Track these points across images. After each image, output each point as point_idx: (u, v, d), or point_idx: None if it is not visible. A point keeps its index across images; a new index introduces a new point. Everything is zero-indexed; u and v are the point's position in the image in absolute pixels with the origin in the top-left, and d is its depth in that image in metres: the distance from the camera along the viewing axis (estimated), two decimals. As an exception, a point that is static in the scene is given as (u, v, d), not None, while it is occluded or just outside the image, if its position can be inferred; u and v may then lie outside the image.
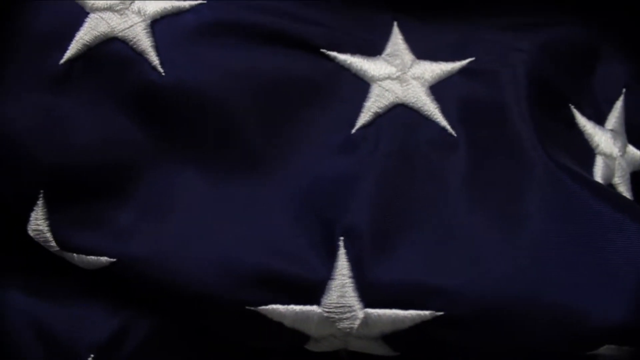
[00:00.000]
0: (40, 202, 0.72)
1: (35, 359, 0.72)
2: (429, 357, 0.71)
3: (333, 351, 0.74)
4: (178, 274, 0.70)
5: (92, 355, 0.71)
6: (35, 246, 0.73)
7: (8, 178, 0.72)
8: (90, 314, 0.73)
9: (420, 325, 0.68)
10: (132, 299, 0.73)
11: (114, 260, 0.71)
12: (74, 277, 0.74)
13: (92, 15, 0.74)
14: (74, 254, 0.72)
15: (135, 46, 0.73)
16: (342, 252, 0.69)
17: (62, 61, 0.73)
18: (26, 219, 0.72)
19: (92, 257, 0.71)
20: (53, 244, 0.72)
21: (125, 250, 0.71)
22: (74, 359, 0.71)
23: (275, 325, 0.69)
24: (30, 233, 0.72)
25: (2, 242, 0.75)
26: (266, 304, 0.69)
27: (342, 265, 0.68)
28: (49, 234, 0.72)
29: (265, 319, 0.69)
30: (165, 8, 0.74)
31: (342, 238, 0.69)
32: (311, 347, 0.71)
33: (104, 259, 0.71)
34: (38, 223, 0.72)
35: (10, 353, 0.72)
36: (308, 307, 0.69)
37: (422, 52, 0.77)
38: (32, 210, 0.72)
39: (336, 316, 0.68)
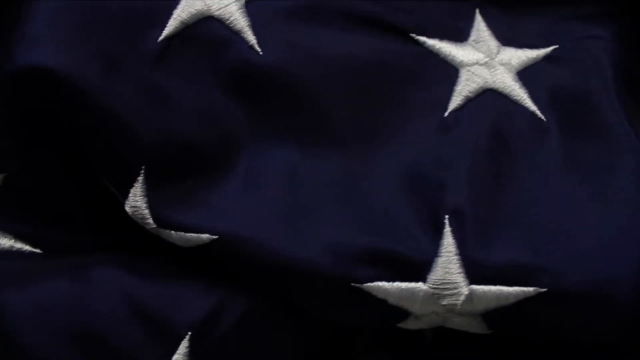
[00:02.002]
0: (140, 179, 0.72)
1: (133, 336, 0.71)
2: (523, 335, 0.73)
3: (418, 332, 0.76)
4: (282, 251, 0.70)
5: (189, 333, 0.71)
6: (132, 224, 0.73)
7: (111, 154, 0.72)
8: (186, 292, 0.72)
9: (523, 302, 0.70)
10: (228, 276, 0.73)
11: (216, 237, 0.71)
12: (169, 255, 0.73)
13: (188, -7, 0.74)
14: (172, 232, 0.72)
15: (231, 25, 0.74)
16: (447, 230, 0.70)
17: (160, 38, 0.73)
18: (125, 196, 0.72)
19: (192, 234, 0.71)
20: (150, 221, 0.72)
21: (228, 228, 0.71)
22: (172, 336, 0.71)
23: (378, 302, 0.70)
24: (128, 210, 0.72)
25: (100, 219, 0.75)
26: (372, 281, 0.70)
27: (448, 242, 0.70)
28: (146, 211, 0.72)
29: (369, 296, 0.70)
30: (258, -12, 0.75)
31: (447, 216, 0.70)
32: (409, 324, 0.73)
33: (205, 236, 0.71)
34: (137, 199, 0.72)
35: (109, 331, 0.71)
36: (413, 284, 0.70)
37: (504, 39, 0.78)
38: (132, 187, 0.72)
39: (441, 292, 0.70)
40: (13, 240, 0.74)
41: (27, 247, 0.74)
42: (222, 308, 0.72)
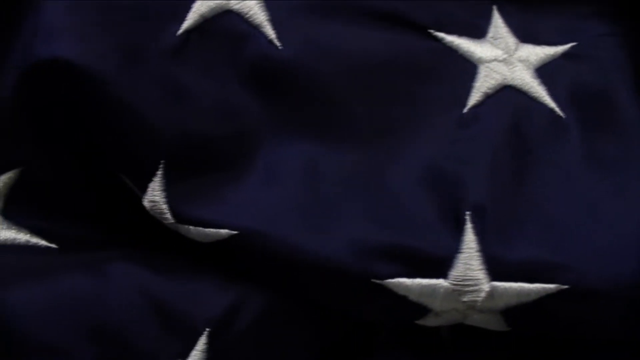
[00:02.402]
0: (159, 173, 0.71)
1: (151, 332, 0.70)
2: (542, 332, 0.73)
3: (434, 329, 0.75)
4: (302, 247, 0.70)
5: (208, 329, 0.71)
6: (149, 219, 0.72)
7: (129, 148, 0.71)
8: (204, 288, 0.72)
9: (544, 299, 0.69)
10: (247, 272, 0.72)
11: (235, 233, 0.70)
12: (186, 251, 0.73)
13: (206, -13, 0.74)
14: (191, 227, 0.71)
15: (250, 20, 0.73)
16: (469, 227, 0.70)
17: (179, 32, 0.73)
18: (143, 191, 0.71)
19: (211, 229, 0.71)
20: (169, 216, 0.71)
21: (247, 223, 0.70)
22: (190, 332, 0.70)
23: (398, 299, 0.70)
24: (146, 205, 0.71)
25: (117, 215, 0.74)
26: (392, 277, 0.69)
27: (470, 239, 0.70)
28: (165, 206, 0.71)
29: (389, 292, 0.70)
30: (277, -17, 0.75)
31: (468, 213, 0.70)
32: (428, 321, 0.72)
33: (224, 231, 0.70)
34: (155, 194, 0.71)
35: (125, 326, 0.70)
36: (434, 281, 0.70)
37: (522, 36, 0.78)
38: (150, 181, 0.71)
39: (462, 289, 0.69)
40: (29, 235, 0.73)
41: (43, 242, 0.73)
42: (240, 304, 0.72)
